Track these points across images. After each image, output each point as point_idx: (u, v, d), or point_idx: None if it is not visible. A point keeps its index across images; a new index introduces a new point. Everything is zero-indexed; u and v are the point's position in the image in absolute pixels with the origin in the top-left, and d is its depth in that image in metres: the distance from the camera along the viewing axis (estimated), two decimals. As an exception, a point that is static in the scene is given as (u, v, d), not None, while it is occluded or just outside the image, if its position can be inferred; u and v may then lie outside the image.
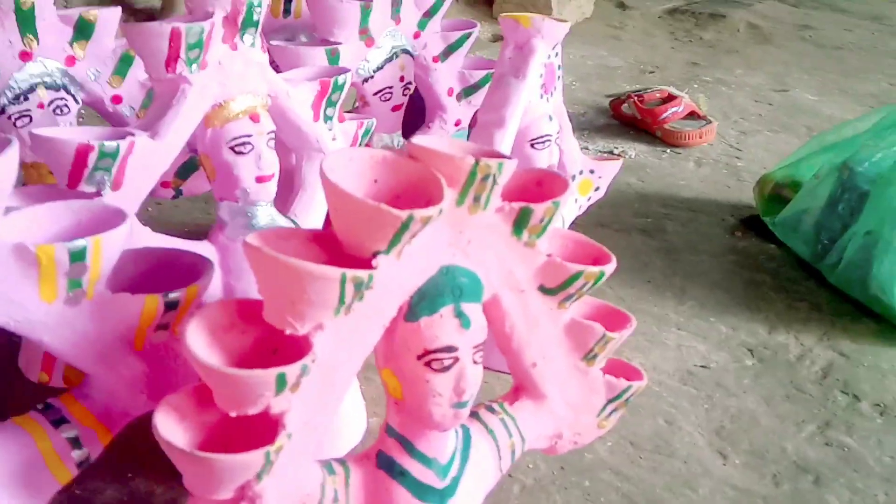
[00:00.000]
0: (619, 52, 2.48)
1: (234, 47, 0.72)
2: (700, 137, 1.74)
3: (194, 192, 1.00)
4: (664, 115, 1.73)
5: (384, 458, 0.57)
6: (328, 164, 0.48)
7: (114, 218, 0.51)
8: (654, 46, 2.58)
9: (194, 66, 0.69)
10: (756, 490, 0.83)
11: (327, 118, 0.83)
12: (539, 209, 0.54)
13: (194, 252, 0.60)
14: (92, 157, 0.63)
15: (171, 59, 0.67)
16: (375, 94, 0.99)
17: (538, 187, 0.57)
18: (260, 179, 0.75)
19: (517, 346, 0.60)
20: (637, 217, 1.40)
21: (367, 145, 0.92)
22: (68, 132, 0.65)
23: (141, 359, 0.54)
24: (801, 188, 1.31)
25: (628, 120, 1.83)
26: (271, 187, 0.77)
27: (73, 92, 0.88)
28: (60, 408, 0.53)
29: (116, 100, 0.91)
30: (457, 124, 1.09)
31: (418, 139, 0.52)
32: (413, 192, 0.51)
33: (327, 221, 0.58)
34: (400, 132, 1.05)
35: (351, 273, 0.46)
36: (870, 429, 0.92)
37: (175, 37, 0.66)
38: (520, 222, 0.55)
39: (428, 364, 0.53)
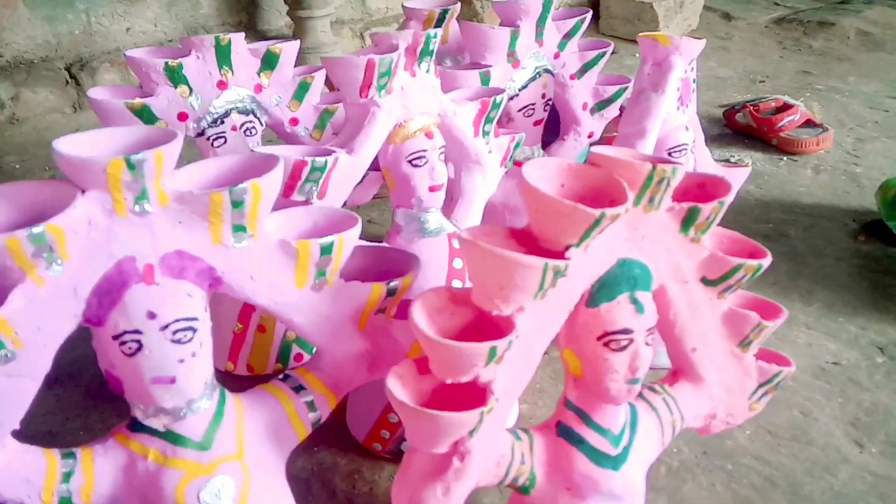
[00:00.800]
0: (728, 62, 2.51)
1: (413, 73, 0.83)
2: (817, 145, 1.76)
3: (356, 203, 1.11)
4: (781, 123, 1.76)
5: (563, 428, 0.66)
6: (527, 172, 0.57)
7: (347, 220, 0.61)
8: (763, 56, 2.59)
9: (383, 91, 0.79)
10: (895, 476, 0.87)
11: (485, 133, 0.93)
12: (706, 208, 0.61)
13: (401, 249, 0.70)
14: (305, 171, 0.74)
15: (365, 86, 0.78)
16: (519, 110, 1.08)
17: (700, 189, 0.64)
18: (432, 189, 0.85)
19: (679, 331, 0.68)
20: (758, 223, 1.44)
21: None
22: (283, 150, 0.76)
23: (363, 337, 0.64)
24: (927, 192, 1.33)
25: (743, 129, 1.86)
26: (441, 195, 0.87)
27: (259, 116, 1.00)
28: (298, 377, 0.64)
29: (294, 122, 1.03)
30: (590, 136, 1.17)
31: (598, 149, 0.61)
32: (595, 194, 0.59)
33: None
34: (540, 145, 1.14)
35: (552, 263, 0.55)
36: None
37: (370, 67, 0.77)
38: (688, 220, 0.62)
39: (606, 344, 0.61)
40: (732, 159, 1.75)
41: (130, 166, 0.48)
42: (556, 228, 0.57)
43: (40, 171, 1.69)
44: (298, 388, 0.63)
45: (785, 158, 1.75)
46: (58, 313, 0.50)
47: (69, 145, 0.49)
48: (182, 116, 0.95)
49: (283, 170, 0.56)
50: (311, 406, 0.63)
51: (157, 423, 0.56)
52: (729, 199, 0.62)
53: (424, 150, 0.84)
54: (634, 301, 0.61)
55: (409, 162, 0.84)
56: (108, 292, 0.51)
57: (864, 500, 0.84)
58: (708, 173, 0.69)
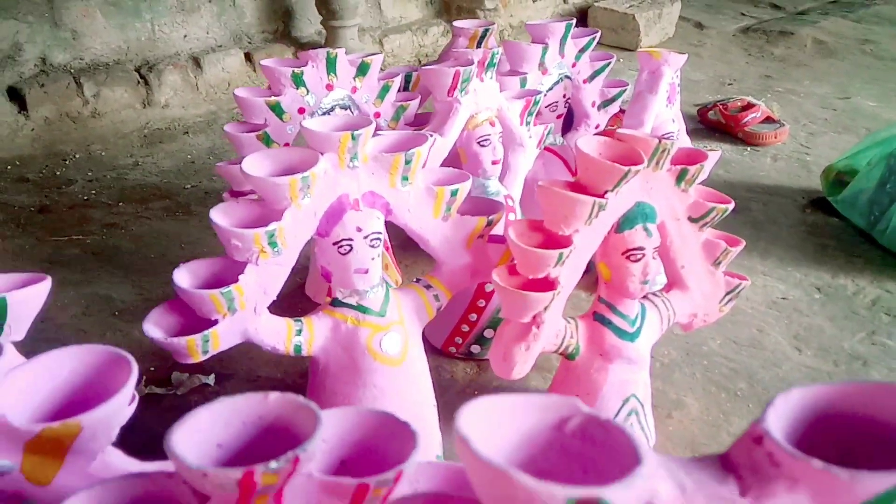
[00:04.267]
0: (701, 67, 2.87)
1: (482, 79, 1.16)
2: (775, 138, 2.12)
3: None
4: (745, 119, 2.12)
5: (598, 315, 0.99)
6: (581, 144, 0.91)
7: (463, 176, 0.94)
8: (731, 62, 2.95)
9: (463, 92, 1.13)
10: (822, 369, 1.22)
11: (527, 123, 1.26)
12: (692, 169, 0.95)
13: (491, 199, 1.03)
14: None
15: (452, 89, 1.11)
16: (546, 106, 1.41)
17: (687, 158, 0.98)
18: (494, 162, 1.18)
19: (673, 253, 1.01)
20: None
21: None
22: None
23: (469, 254, 0.97)
24: (858, 174, 1.69)
25: (714, 125, 2.22)
26: (499, 168, 1.20)
27: (353, 110, 1.33)
28: (427, 280, 0.97)
29: (377, 115, 1.36)
30: (596, 127, 1.51)
31: (623, 131, 0.94)
32: (622, 159, 0.93)
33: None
34: (560, 133, 1.47)
35: (598, 200, 0.89)
36: (905, 336, 1.30)
37: (456, 75, 1.10)
38: (680, 177, 0.96)
39: (627, 258, 0.95)
40: (705, 148, 2.11)
41: (353, 138, 0.81)
42: (599, 179, 0.90)
43: (123, 157, 2.00)
44: (428, 286, 0.97)
45: (748, 149, 2.11)
46: (305, 227, 0.83)
47: (315, 124, 0.82)
48: (301, 110, 1.27)
49: (428, 143, 0.89)
50: (436, 298, 0.96)
51: (351, 300, 0.89)
52: (707, 163, 0.96)
53: (489, 135, 1.17)
54: (646, 229, 0.95)
55: (478, 143, 1.17)
56: (333, 214, 0.84)
57: (801, 382, 1.19)
58: (691, 147, 1.03)
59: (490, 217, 0.95)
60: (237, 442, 0.45)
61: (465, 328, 1.18)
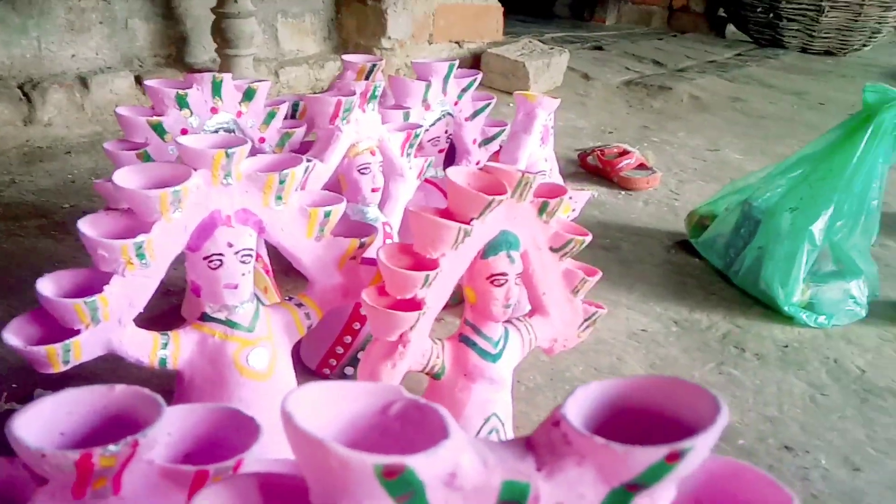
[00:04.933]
0: (585, 115, 3.02)
1: (364, 110, 1.21)
2: (647, 184, 2.26)
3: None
4: (620, 165, 2.25)
5: (463, 337, 1.04)
6: (450, 174, 0.96)
7: (337, 199, 0.98)
8: (613, 112, 3.13)
9: (344, 121, 1.17)
10: (674, 395, 1.30)
11: (408, 155, 1.31)
12: (553, 202, 1.02)
13: (365, 223, 1.07)
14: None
15: (333, 117, 1.15)
16: (429, 140, 1.47)
17: (549, 192, 1.05)
18: (374, 190, 1.23)
19: (535, 281, 1.08)
20: (600, 238, 1.90)
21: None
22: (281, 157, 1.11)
23: (341, 275, 1.00)
24: (717, 218, 1.82)
25: (592, 169, 2.34)
26: (378, 196, 1.24)
27: (237, 135, 1.35)
28: (299, 299, 1.00)
29: (262, 140, 1.38)
30: (477, 163, 1.58)
31: (489, 164, 1.00)
32: (488, 189, 0.99)
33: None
34: (442, 167, 1.53)
35: (464, 226, 0.94)
36: (749, 367, 1.41)
37: (338, 105, 1.14)
38: (542, 209, 1.03)
39: (492, 282, 1.00)
40: (582, 189, 2.23)
41: (227, 155, 0.84)
42: (466, 207, 0.96)
43: (0, 175, 1.94)
44: (300, 305, 0.99)
45: (622, 193, 2.24)
46: (174, 240, 0.85)
47: (190, 141, 0.84)
48: (184, 131, 1.28)
49: (304, 166, 0.92)
50: (307, 316, 0.99)
51: (220, 315, 0.90)
52: (565, 197, 1.04)
53: (369, 163, 1.21)
54: (509, 256, 1.01)
55: (358, 170, 1.21)
56: (204, 229, 0.86)
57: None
58: (554, 182, 1.10)
59: (362, 239, 0.99)
60: (81, 431, 0.47)
61: (340, 350, 1.21)
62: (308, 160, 1.14)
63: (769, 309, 1.60)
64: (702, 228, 1.87)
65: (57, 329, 0.81)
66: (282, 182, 0.89)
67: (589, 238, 1.08)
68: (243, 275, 0.89)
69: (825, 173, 1.61)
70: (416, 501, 0.39)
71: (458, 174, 0.98)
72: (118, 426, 0.48)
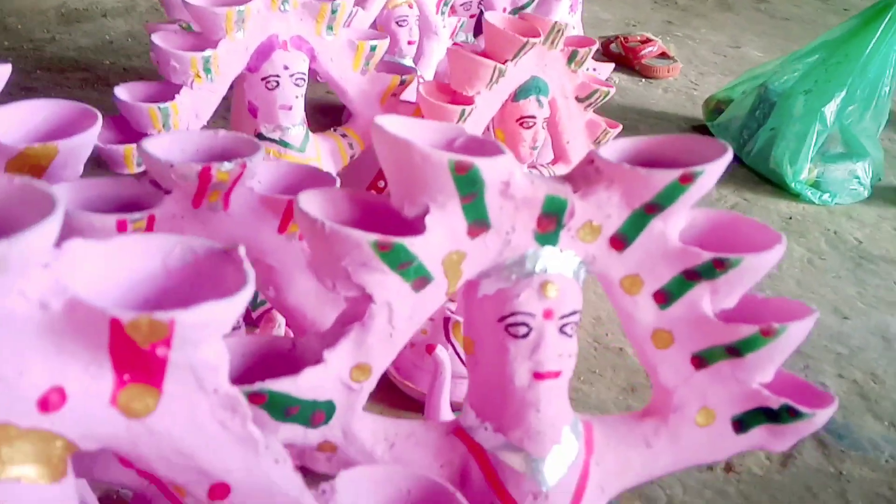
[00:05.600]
0: (609, 7, 3.03)
1: None
2: (668, 72, 2.30)
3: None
4: (642, 52, 2.29)
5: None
6: (490, 17, 1.03)
7: (380, 37, 1.05)
8: (638, 6, 3.13)
9: None
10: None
11: (442, 13, 1.37)
12: (582, 51, 1.09)
13: (405, 65, 1.14)
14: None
15: (376, -33, 1.21)
16: (461, 5, 1.53)
17: (578, 42, 1.12)
18: (410, 43, 1.30)
19: (560, 128, 1.16)
20: (619, 120, 1.95)
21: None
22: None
23: (382, 109, 1.09)
24: (733, 102, 1.89)
25: (614, 57, 2.38)
26: (413, 49, 1.31)
27: None
28: (344, 130, 1.09)
29: None
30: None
31: (524, 13, 1.07)
32: (523, 33, 1.06)
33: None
34: (472, 34, 1.60)
35: (499, 66, 1.01)
36: (753, 233, 1.50)
37: (382, -46, 1.20)
38: (571, 58, 1.10)
39: (521, 124, 1.08)
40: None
41: (286, -17, 0.91)
42: (502, 48, 1.03)
43: (40, 32, 2.00)
44: (344, 135, 1.08)
45: (643, 80, 2.28)
46: (237, 59, 0.93)
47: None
48: None
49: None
50: (350, 146, 1.08)
51: (275, 135, 0.99)
52: (593, 48, 1.10)
53: (407, 16, 1.29)
54: (538, 100, 1.08)
55: (397, 22, 1.29)
56: (263, 52, 0.94)
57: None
58: (580, 35, 1.17)
59: (403, 77, 1.07)
60: (195, 158, 0.56)
61: (382, 184, 1.30)
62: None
63: (777, 186, 1.68)
64: (718, 113, 1.93)
65: (132, 135, 0.90)
66: (334, 12, 0.97)
67: (613, 90, 1.16)
68: (297, 97, 0.97)
69: (841, 58, 1.66)
70: (477, 202, 0.48)
71: (496, 18, 1.05)
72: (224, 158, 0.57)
